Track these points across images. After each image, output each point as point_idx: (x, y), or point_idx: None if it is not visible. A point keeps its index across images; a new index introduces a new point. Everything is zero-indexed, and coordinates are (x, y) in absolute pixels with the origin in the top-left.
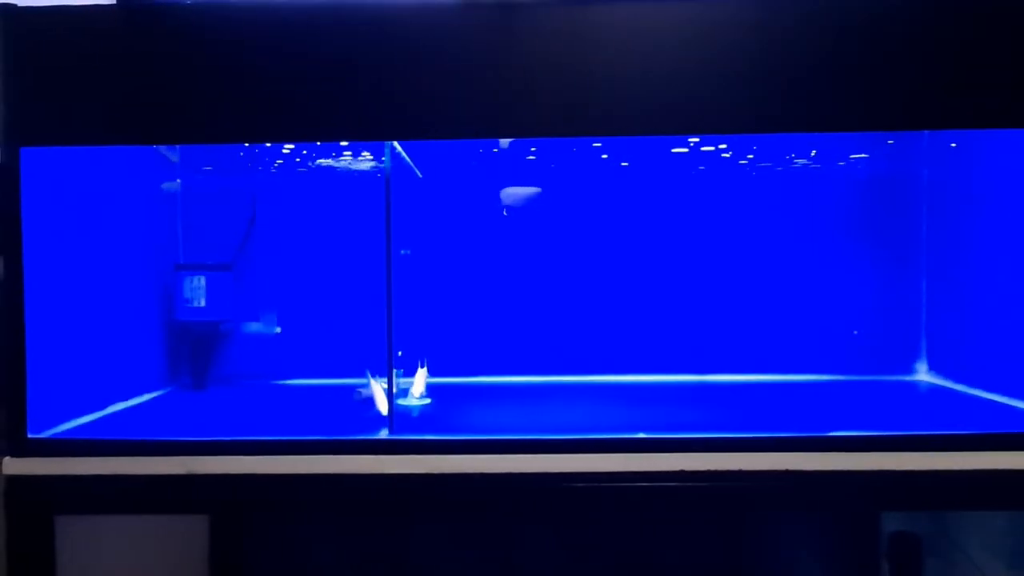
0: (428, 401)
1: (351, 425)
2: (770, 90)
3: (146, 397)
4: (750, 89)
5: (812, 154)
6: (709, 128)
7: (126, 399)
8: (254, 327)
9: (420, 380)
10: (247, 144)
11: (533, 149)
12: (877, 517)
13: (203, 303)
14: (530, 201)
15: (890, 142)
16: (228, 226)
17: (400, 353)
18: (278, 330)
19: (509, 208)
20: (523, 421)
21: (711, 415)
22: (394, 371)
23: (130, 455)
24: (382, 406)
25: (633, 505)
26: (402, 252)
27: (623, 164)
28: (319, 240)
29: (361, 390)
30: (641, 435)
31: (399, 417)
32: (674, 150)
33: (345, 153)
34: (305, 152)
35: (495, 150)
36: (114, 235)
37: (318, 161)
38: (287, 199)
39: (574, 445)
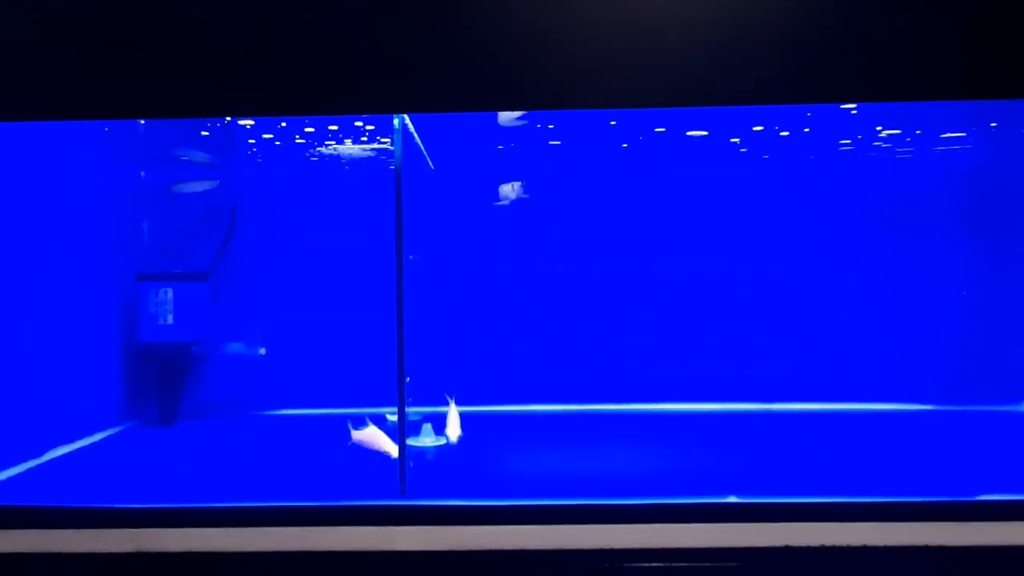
0: (444, 441)
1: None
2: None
3: (98, 436)
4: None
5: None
6: (738, 98)
7: (73, 440)
8: (234, 348)
9: (454, 420)
10: (228, 120)
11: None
12: None
13: (171, 320)
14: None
15: (993, 125)
16: (203, 227)
17: (408, 379)
18: (263, 351)
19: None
20: (563, 468)
21: (807, 464)
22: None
23: (64, 527)
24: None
25: None
26: (410, 257)
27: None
28: (312, 243)
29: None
30: (732, 499)
31: (411, 461)
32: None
33: (331, 127)
34: (289, 130)
35: (522, 122)
36: (60, 237)
37: (303, 146)
38: (274, 195)
39: (636, 512)
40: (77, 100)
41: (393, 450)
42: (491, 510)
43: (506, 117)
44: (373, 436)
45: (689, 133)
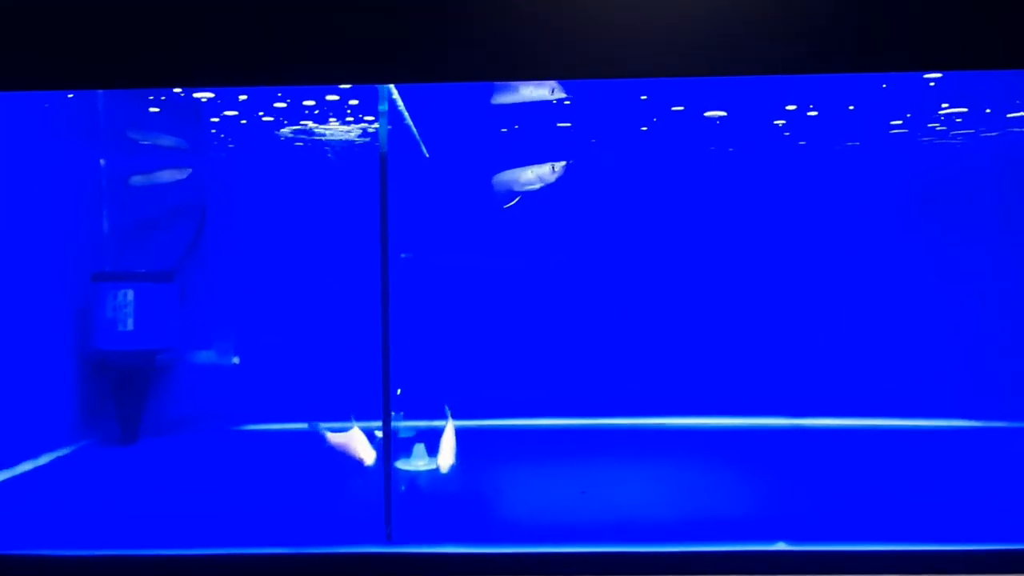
0: (435, 465)
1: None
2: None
3: (45, 459)
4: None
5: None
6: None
7: (12, 465)
8: (204, 357)
9: (448, 445)
10: (181, 92)
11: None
12: None
13: (131, 325)
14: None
15: None
16: (169, 220)
17: (400, 391)
18: (236, 360)
19: (509, 195)
20: (575, 502)
21: (868, 497)
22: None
23: None
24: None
25: None
26: (402, 256)
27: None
28: (292, 239)
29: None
30: (781, 546)
31: (400, 485)
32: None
33: (306, 102)
34: (262, 113)
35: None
36: (3, 231)
37: (279, 128)
38: (248, 184)
39: (665, 561)
40: (44, 68)
41: (368, 457)
42: (491, 559)
43: (535, 92)
44: (350, 440)
45: (708, 114)
